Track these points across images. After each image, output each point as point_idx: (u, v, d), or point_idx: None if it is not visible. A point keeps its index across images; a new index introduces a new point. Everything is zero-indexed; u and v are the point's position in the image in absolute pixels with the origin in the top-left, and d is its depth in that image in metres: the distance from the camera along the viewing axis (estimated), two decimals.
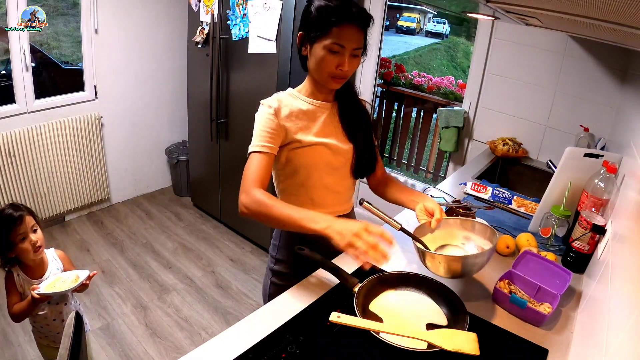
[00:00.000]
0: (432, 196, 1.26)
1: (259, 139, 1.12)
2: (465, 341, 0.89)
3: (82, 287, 1.49)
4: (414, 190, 1.31)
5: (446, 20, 10.05)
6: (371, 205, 1.10)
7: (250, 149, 1.13)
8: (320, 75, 1.13)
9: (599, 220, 1.20)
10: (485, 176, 2.15)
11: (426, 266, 1.07)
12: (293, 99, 1.19)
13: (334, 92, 1.23)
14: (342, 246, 0.92)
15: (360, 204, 1.13)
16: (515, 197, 1.77)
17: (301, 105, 1.18)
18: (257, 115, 1.16)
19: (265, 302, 1.34)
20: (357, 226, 0.94)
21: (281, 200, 1.10)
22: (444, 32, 10.20)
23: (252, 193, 1.06)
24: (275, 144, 1.14)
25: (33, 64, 2.62)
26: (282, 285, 1.30)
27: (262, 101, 1.18)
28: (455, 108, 2.66)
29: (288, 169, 1.21)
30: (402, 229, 1.11)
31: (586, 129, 2.11)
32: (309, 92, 1.20)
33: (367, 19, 1.10)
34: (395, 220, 1.12)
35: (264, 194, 1.06)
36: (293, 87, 1.23)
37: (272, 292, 1.34)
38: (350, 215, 1.36)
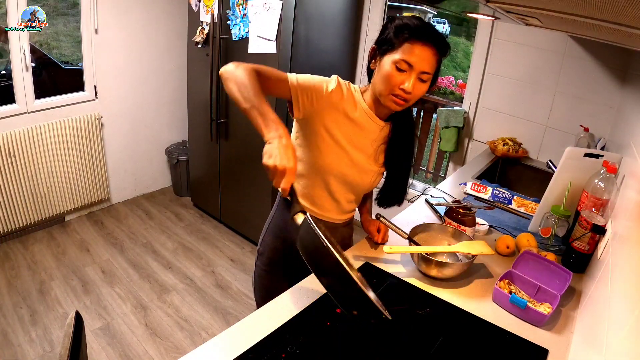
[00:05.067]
0: (380, 216, 1.37)
1: (302, 80, 1.04)
2: (482, 246, 1.21)
3: None
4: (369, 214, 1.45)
5: (446, 20, 10.04)
6: (386, 220, 1.34)
7: (290, 74, 1.05)
8: (381, 91, 1.05)
9: (599, 220, 1.20)
10: (485, 176, 2.15)
11: (419, 269, 1.24)
12: (355, 99, 1.13)
13: (390, 114, 1.16)
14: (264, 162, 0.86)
15: (377, 218, 1.35)
16: (515, 197, 1.77)
17: (357, 109, 1.12)
18: (319, 77, 1.09)
19: (254, 291, 1.42)
20: (278, 153, 0.84)
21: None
22: (444, 32, 10.21)
23: (249, 66, 0.96)
24: (303, 100, 1.04)
25: (33, 64, 2.62)
26: (265, 270, 1.36)
27: (334, 76, 1.11)
28: (455, 108, 2.66)
29: (304, 155, 1.15)
30: (409, 238, 1.30)
31: (586, 129, 2.11)
32: (369, 101, 1.13)
33: (444, 46, 1.02)
34: (402, 231, 1.33)
35: (258, 78, 0.96)
36: None
37: (256, 276, 1.39)
38: (350, 224, 1.39)
